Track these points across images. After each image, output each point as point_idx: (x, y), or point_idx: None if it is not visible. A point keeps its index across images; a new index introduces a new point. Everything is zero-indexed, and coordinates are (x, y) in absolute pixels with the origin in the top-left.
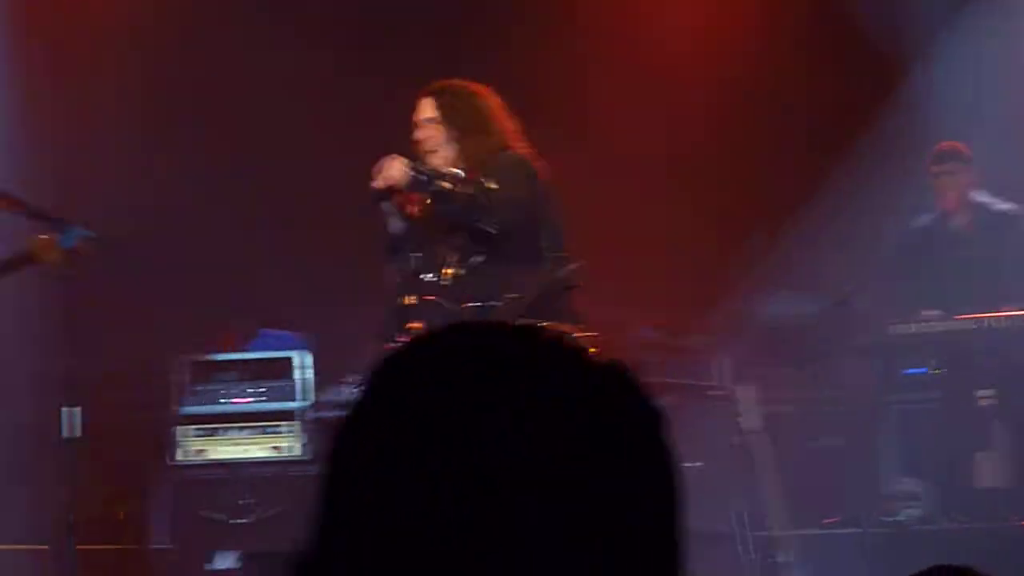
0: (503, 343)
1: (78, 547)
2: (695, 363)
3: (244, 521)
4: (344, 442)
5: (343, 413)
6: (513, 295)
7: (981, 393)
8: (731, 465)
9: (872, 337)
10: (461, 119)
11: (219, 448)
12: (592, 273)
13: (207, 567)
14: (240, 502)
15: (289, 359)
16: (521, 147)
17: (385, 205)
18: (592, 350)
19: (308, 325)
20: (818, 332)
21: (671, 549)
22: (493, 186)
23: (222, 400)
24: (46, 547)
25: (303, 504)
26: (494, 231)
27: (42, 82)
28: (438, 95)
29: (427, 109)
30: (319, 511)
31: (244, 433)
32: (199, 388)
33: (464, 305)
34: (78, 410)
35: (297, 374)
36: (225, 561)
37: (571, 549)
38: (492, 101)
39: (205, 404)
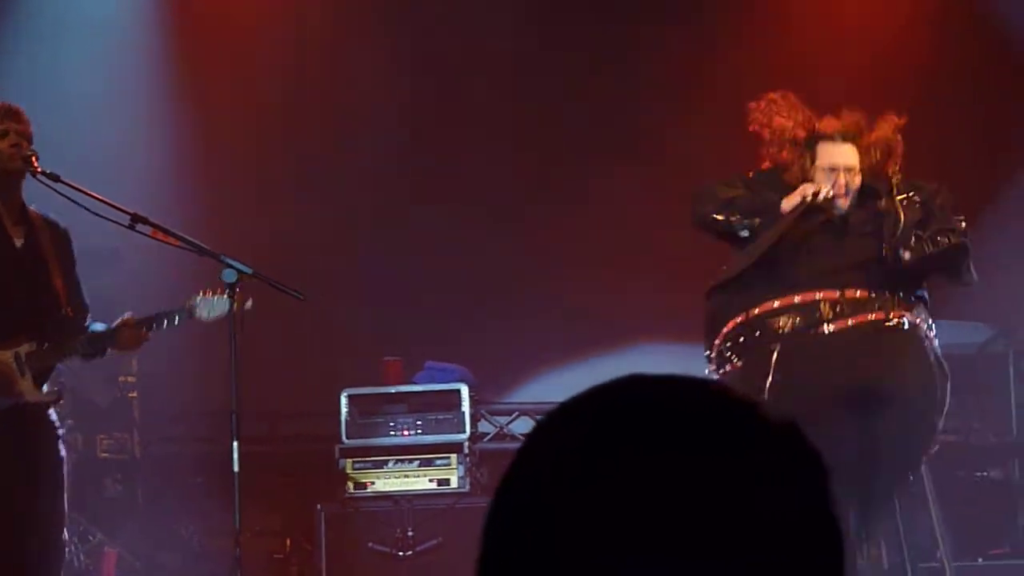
0: (670, 397)
1: None
2: None
3: (409, 553)
4: (511, 484)
5: (500, 447)
6: None
7: None
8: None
9: None
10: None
11: (386, 480)
12: None
13: None
14: (409, 533)
15: (458, 391)
16: None
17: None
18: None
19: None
20: (979, 361)
21: None
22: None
23: (391, 433)
24: None
25: (461, 536)
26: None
27: (202, 114)
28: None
29: (851, 156)
30: (482, 550)
31: (412, 465)
32: (365, 421)
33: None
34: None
35: (465, 407)
36: None
37: None
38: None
39: (372, 437)
